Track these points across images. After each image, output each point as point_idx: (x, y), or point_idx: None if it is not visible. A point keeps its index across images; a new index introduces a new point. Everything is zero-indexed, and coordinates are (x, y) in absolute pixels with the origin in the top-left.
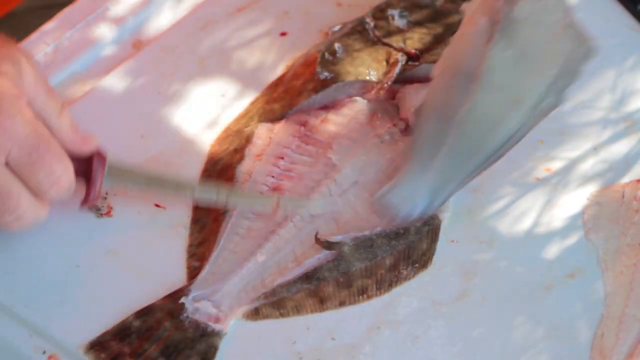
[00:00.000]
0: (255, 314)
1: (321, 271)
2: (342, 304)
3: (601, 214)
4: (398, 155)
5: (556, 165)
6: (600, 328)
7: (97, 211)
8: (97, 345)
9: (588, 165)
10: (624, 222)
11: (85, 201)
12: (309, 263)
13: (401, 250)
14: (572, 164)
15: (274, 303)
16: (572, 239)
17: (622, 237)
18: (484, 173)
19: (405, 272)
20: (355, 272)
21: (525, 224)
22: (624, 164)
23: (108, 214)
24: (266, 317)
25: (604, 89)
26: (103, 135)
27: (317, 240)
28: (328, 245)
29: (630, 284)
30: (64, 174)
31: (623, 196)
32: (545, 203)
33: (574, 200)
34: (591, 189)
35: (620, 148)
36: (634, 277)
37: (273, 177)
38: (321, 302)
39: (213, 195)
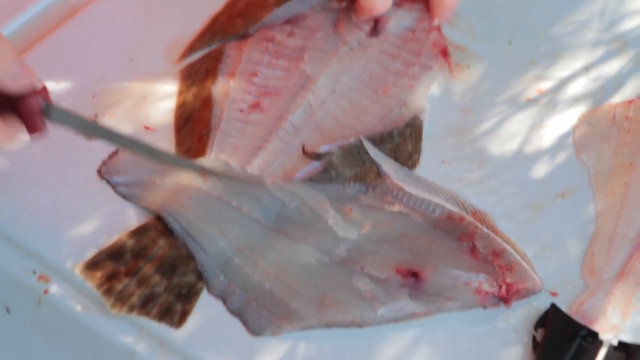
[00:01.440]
0: None
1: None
2: None
3: (592, 134)
4: (370, 60)
5: (547, 85)
6: (591, 247)
7: None
8: (92, 265)
9: (579, 86)
10: (615, 142)
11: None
12: (300, 176)
13: (387, 154)
14: (563, 84)
15: None
16: (564, 159)
17: (613, 157)
18: (474, 93)
19: None
20: (345, 180)
21: (516, 144)
22: (615, 83)
23: None
24: None
25: (595, 9)
26: (92, 57)
27: (304, 152)
28: (316, 156)
29: (621, 203)
30: None
31: (614, 117)
32: (536, 123)
33: (565, 120)
34: (582, 109)
35: (611, 68)
36: (625, 197)
37: (250, 94)
38: None
39: (144, 151)
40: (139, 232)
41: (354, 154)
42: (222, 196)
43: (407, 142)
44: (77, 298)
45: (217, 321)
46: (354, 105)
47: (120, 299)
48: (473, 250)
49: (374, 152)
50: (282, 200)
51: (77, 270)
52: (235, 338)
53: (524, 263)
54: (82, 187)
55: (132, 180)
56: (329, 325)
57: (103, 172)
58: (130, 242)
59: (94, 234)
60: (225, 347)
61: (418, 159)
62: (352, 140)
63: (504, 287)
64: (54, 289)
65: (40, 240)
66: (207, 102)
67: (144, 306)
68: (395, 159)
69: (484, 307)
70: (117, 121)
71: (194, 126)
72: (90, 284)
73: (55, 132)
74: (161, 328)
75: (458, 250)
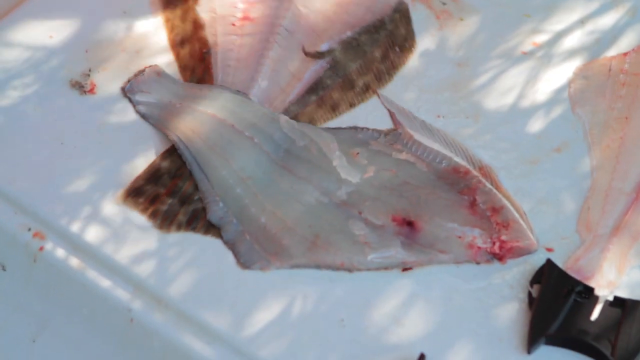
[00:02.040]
0: None
1: (323, 80)
2: (352, 105)
3: (588, 88)
4: None
5: (543, 38)
6: (586, 202)
7: (80, 88)
8: (133, 192)
9: (575, 39)
10: (611, 96)
11: None
12: (308, 76)
13: (384, 40)
14: (559, 37)
15: None
16: (559, 113)
17: (609, 110)
18: (469, 46)
19: (397, 59)
20: (353, 73)
21: (512, 98)
22: (611, 36)
23: (91, 91)
24: None
25: None
26: (86, 11)
27: (305, 53)
28: (318, 54)
29: (616, 157)
30: None
31: (610, 70)
32: (531, 77)
33: (561, 73)
34: (577, 62)
35: (607, 21)
36: (621, 151)
37: (236, 7)
38: (333, 110)
39: None
40: (170, 153)
41: (354, 46)
42: (235, 125)
43: (399, 27)
44: (72, 255)
45: (212, 279)
46: None
47: (167, 219)
48: (473, 204)
49: (387, 102)
50: (293, 139)
51: (118, 201)
52: (231, 296)
53: (521, 222)
54: (76, 144)
55: (152, 101)
56: (318, 266)
57: (127, 90)
58: (165, 164)
59: (88, 190)
60: (220, 305)
61: (414, 42)
62: (349, 33)
63: (497, 244)
64: (49, 246)
65: (35, 197)
66: (196, 22)
67: (190, 222)
68: (393, 45)
69: (477, 262)
70: (111, 75)
71: (192, 47)
72: (135, 210)
73: (48, 90)
74: (157, 285)
75: (457, 204)
